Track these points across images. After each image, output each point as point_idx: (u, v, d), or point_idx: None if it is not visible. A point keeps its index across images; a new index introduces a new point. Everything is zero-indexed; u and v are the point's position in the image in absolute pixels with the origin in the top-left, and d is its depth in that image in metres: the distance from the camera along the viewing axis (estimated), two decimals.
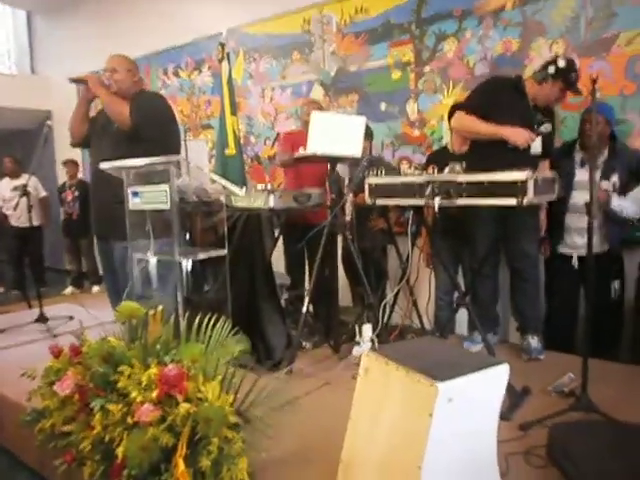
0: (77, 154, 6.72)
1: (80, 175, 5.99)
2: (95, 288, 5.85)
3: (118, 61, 2.90)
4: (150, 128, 2.69)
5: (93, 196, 3.06)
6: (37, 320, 3.96)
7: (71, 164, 5.91)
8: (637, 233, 3.00)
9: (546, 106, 2.86)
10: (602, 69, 3.10)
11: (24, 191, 3.99)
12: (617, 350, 2.91)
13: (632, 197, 2.77)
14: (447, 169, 2.62)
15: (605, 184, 2.87)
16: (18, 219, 5.52)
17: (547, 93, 2.77)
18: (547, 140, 2.84)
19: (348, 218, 3.17)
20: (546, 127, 2.78)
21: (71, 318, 3.92)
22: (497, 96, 2.81)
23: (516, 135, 2.67)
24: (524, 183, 2.12)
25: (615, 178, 2.87)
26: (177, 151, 2.88)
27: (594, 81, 2.10)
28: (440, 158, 3.25)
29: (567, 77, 2.68)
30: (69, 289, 5.91)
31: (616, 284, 2.90)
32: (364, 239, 3.29)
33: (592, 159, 2.16)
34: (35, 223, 5.38)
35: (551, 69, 2.67)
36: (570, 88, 2.71)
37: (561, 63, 2.64)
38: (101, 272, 3.29)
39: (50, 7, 6.94)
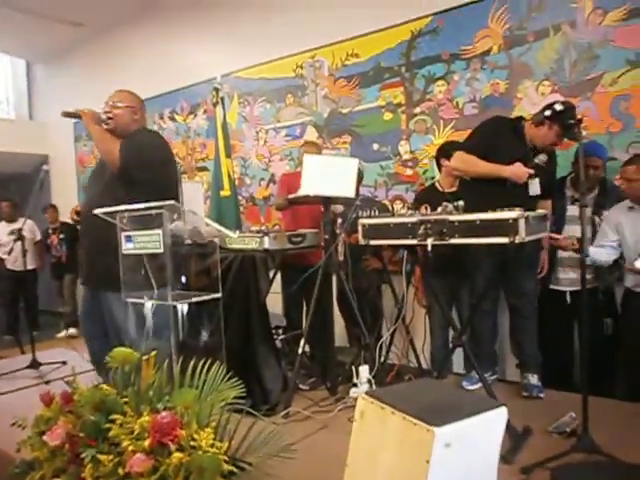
0: (72, 198, 6.82)
1: (61, 218, 6.04)
2: (71, 330, 5.76)
3: (121, 96, 2.79)
4: (140, 169, 2.52)
5: (82, 242, 2.86)
6: (29, 366, 3.90)
7: (51, 209, 6.05)
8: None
9: (545, 147, 2.88)
10: (588, 109, 3.18)
11: (19, 235, 4.00)
12: (612, 387, 2.88)
13: (598, 245, 2.82)
14: (440, 209, 2.65)
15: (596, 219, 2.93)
16: (14, 263, 5.51)
17: (543, 136, 2.80)
18: (547, 180, 2.87)
19: (341, 258, 3.19)
20: (540, 159, 2.78)
21: (64, 363, 3.87)
22: (496, 137, 2.87)
23: (516, 173, 2.72)
24: (515, 221, 2.14)
25: (606, 214, 2.92)
26: (173, 193, 2.64)
27: (579, 121, 2.14)
28: (429, 197, 3.30)
29: (564, 121, 2.66)
30: (64, 332, 5.86)
31: (609, 320, 2.89)
32: (358, 279, 3.30)
33: (582, 197, 2.18)
34: (30, 267, 5.37)
35: (548, 112, 2.71)
36: (566, 133, 2.69)
37: (558, 107, 2.68)
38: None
39: (48, 56, 7.14)
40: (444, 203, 2.84)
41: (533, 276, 3.01)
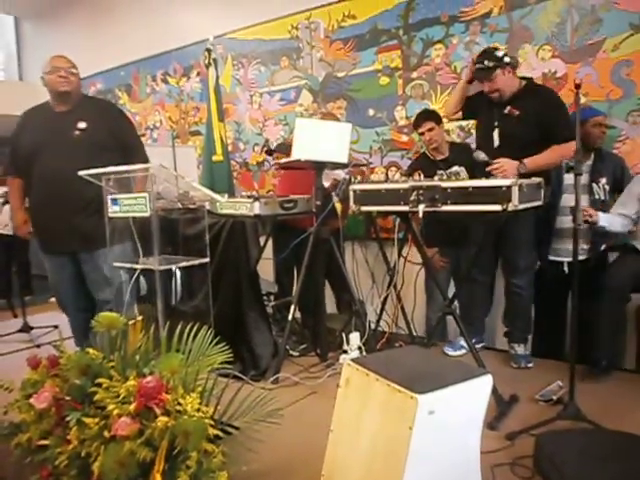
0: None
1: None
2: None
3: (71, 63, 2.91)
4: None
5: (49, 209, 2.74)
6: (20, 330, 3.89)
7: None
8: (625, 240, 2.95)
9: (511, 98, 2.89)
10: (589, 74, 3.10)
11: (6, 199, 3.92)
12: None
13: (616, 214, 2.75)
14: (436, 177, 2.60)
15: (595, 188, 2.87)
16: (3, 227, 5.43)
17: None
18: (539, 126, 2.79)
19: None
20: (509, 109, 2.84)
21: (56, 327, 3.85)
22: (475, 107, 3.02)
23: None
24: (509, 189, 2.10)
25: (604, 181, 2.87)
26: (144, 158, 2.83)
27: (578, 86, 2.08)
28: (422, 165, 3.26)
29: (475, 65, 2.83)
30: None
31: None
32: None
33: (577, 165, 2.14)
34: None
35: None
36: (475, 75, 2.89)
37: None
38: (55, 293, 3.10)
39: (38, 13, 6.90)
40: (439, 172, 2.79)
41: (529, 253, 2.95)
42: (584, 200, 2.74)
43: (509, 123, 2.81)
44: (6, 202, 3.97)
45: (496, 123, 2.87)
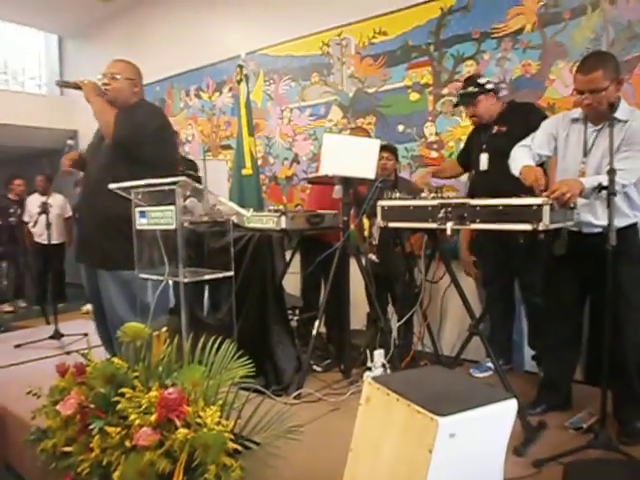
0: None
1: None
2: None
3: (120, 67, 2.65)
4: (134, 145, 2.47)
5: (80, 219, 2.77)
6: (52, 337, 3.98)
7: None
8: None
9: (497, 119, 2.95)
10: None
11: (43, 208, 4.04)
12: None
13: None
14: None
15: None
16: (40, 236, 5.61)
17: None
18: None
19: (375, 242, 3.15)
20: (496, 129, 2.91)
21: (85, 335, 3.93)
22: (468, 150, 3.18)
23: None
24: (540, 208, 2.05)
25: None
26: (170, 169, 2.50)
27: (611, 106, 2.04)
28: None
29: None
30: (89, 305, 5.96)
31: None
32: (391, 263, 3.24)
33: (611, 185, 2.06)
34: (56, 241, 5.46)
35: None
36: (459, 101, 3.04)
37: None
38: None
39: (80, 32, 7.20)
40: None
41: (538, 269, 2.79)
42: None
43: (498, 141, 2.80)
44: (42, 212, 4.09)
45: (484, 146, 2.92)
